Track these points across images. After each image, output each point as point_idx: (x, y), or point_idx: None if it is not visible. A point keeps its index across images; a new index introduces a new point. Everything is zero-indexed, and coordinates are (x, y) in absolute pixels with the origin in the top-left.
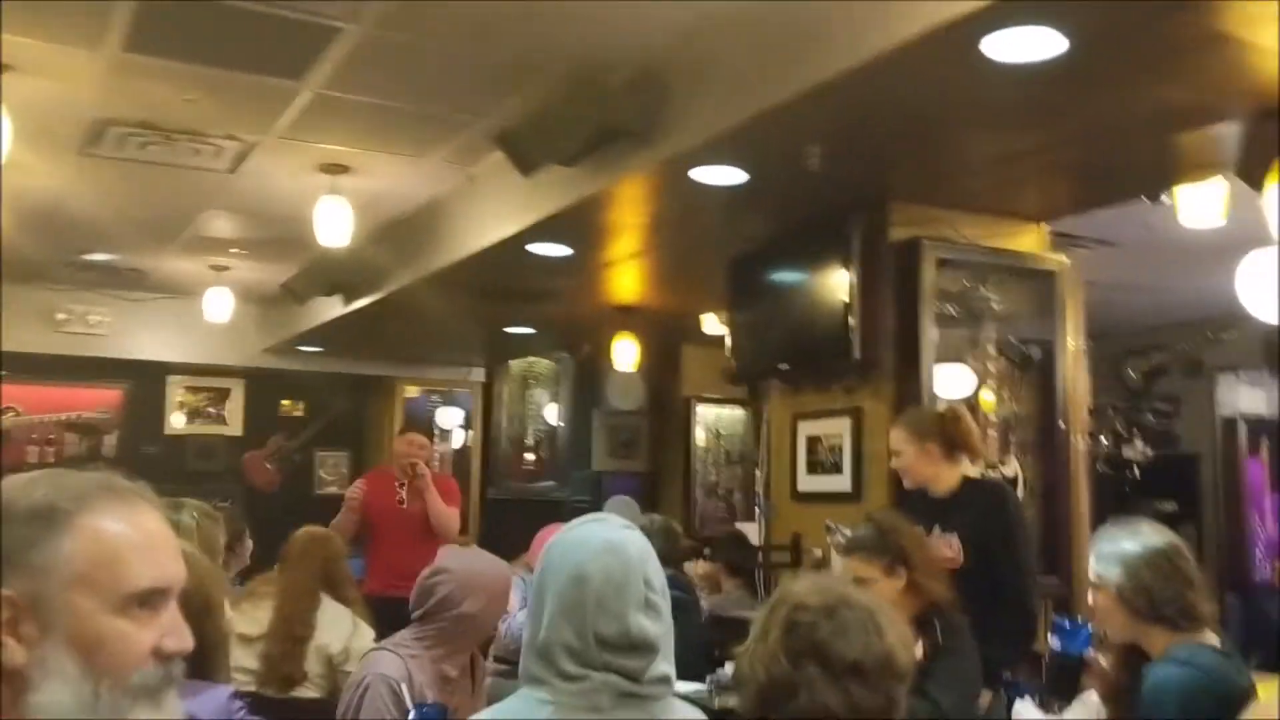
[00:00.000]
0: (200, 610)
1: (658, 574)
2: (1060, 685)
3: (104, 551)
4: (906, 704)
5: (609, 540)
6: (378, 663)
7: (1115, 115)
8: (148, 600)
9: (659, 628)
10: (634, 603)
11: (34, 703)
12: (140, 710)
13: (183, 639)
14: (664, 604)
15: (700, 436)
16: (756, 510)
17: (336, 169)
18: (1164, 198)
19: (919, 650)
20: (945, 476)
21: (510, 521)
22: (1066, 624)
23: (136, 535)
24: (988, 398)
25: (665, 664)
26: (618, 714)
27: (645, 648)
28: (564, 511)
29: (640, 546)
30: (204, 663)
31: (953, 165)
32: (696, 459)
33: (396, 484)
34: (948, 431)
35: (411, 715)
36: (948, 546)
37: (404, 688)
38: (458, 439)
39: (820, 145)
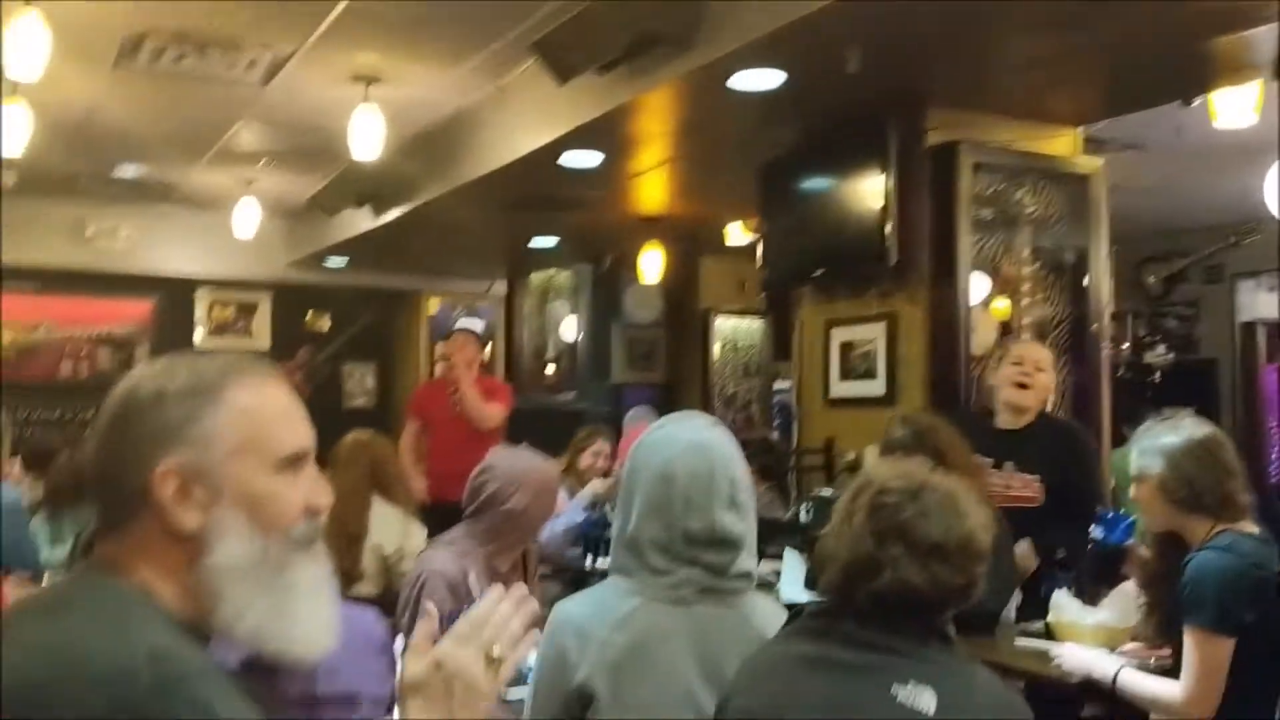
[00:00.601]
0: None
1: (743, 472)
2: (1101, 573)
3: (253, 421)
4: None
5: (693, 440)
6: (433, 559)
7: (1154, 18)
8: (293, 463)
9: (743, 525)
10: (719, 500)
11: (210, 562)
12: (299, 560)
13: (326, 494)
14: (749, 501)
15: (717, 348)
16: (775, 420)
17: (369, 79)
18: (1196, 100)
19: None
20: (1033, 413)
21: (533, 432)
22: (1109, 514)
23: (276, 405)
24: (999, 305)
25: (748, 559)
26: (700, 606)
27: (730, 543)
28: (584, 421)
29: (726, 445)
30: None
31: (990, 68)
32: (714, 371)
33: (450, 390)
34: None
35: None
36: (1027, 486)
37: (471, 578)
38: None
39: (860, 46)
